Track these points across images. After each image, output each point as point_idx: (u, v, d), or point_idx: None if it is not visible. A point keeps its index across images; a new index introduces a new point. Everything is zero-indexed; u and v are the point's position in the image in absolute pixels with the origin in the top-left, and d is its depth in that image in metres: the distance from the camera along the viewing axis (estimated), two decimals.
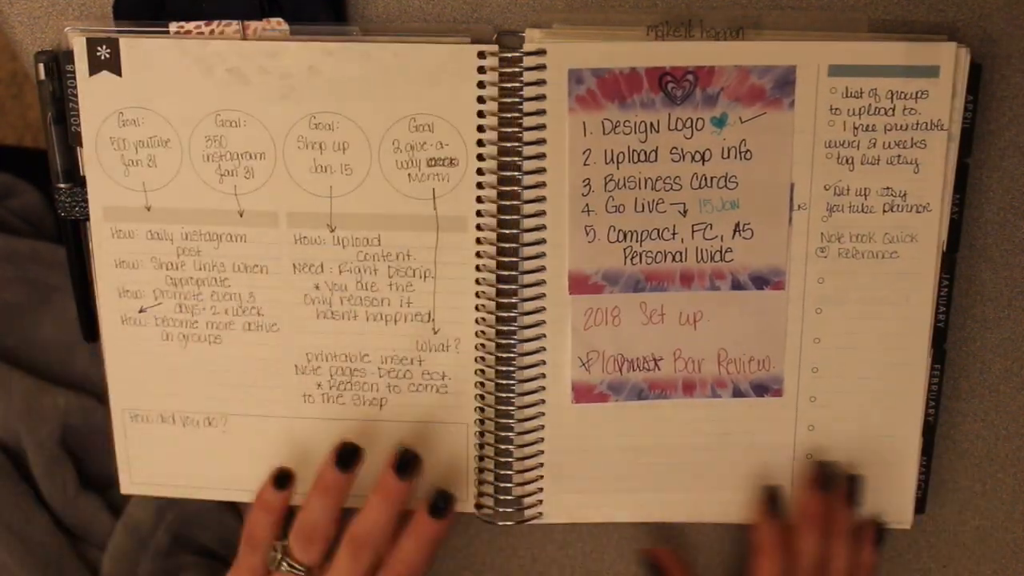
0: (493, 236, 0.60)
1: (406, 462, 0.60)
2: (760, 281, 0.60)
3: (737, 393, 0.61)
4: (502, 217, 0.59)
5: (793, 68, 0.57)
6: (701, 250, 0.59)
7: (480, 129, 0.58)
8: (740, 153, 0.58)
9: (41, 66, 0.60)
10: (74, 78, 0.59)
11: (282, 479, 0.61)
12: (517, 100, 0.58)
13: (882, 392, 0.61)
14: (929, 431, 0.62)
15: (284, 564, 0.59)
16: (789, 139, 0.58)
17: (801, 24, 0.58)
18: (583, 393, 0.61)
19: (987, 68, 0.58)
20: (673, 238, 0.59)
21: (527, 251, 0.60)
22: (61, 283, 0.67)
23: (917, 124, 0.58)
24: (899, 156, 0.58)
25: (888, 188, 0.58)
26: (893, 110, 0.58)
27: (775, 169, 0.59)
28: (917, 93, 0.57)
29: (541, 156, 0.58)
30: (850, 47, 0.57)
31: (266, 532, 0.61)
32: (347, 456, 0.60)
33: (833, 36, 0.58)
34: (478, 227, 0.60)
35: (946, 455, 0.64)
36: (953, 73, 0.57)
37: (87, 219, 0.61)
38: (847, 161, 0.58)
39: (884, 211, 0.59)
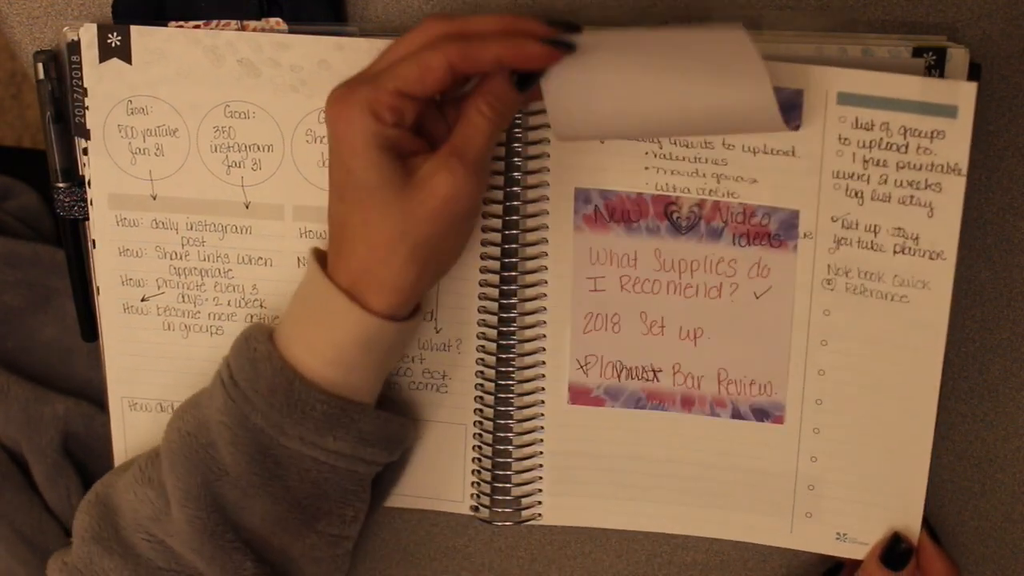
0: (497, 237, 0.60)
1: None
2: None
3: (736, 415, 0.61)
4: (507, 218, 0.59)
5: (800, 92, 0.55)
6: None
7: None
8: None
9: (40, 65, 0.60)
10: (79, 70, 0.59)
11: None
12: None
13: (889, 436, 0.59)
14: None
15: None
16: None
17: (801, 24, 0.58)
18: (579, 395, 0.61)
19: (987, 68, 0.58)
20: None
21: (529, 251, 0.60)
22: (61, 286, 0.66)
23: (932, 165, 0.54)
24: (912, 197, 0.55)
25: (900, 228, 0.56)
26: (906, 147, 0.54)
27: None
28: (933, 132, 0.54)
29: (544, 156, 0.58)
30: (862, 75, 0.54)
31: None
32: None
33: (833, 38, 0.57)
34: (482, 228, 0.60)
35: (946, 456, 0.64)
36: (973, 113, 0.53)
37: (86, 218, 0.61)
38: (856, 194, 0.56)
39: (895, 252, 0.56)
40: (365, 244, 0.52)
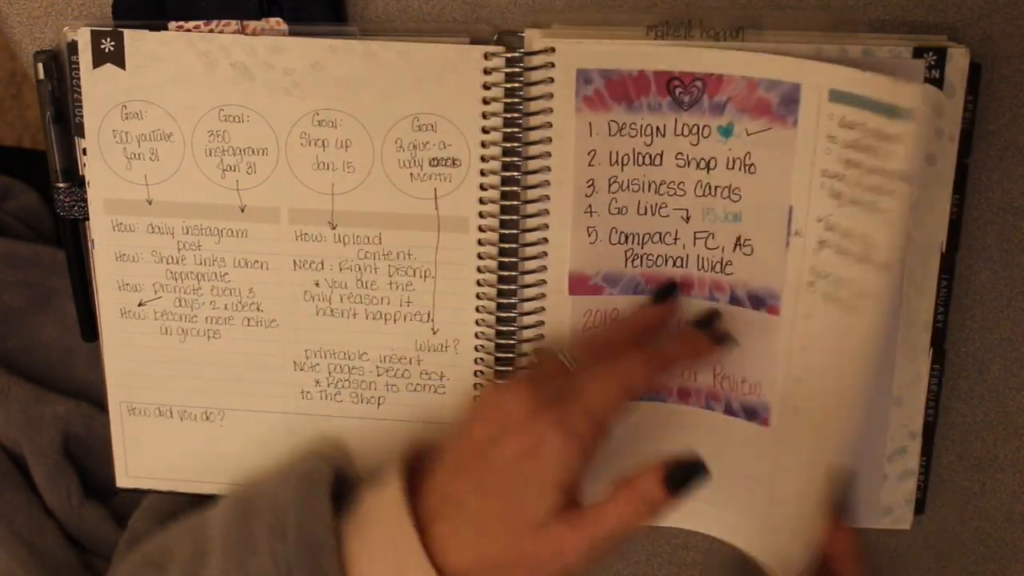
0: (495, 237, 0.60)
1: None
2: (757, 301, 0.58)
3: (729, 411, 0.60)
4: (504, 218, 0.59)
5: (798, 86, 0.54)
6: (702, 258, 0.59)
7: (484, 131, 0.58)
8: (744, 166, 0.57)
9: (40, 65, 0.60)
10: (79, 70, 0.59)
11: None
12: (519, 100, 0.58)
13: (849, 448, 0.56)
14: (928, 431, 0.62)
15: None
16: (791, 159, 0.55)
17: (801, 24, 0.58)
18: None
19: (987, 68, 0.58)
20: (675, 243, 0.59)
21: (528, 251, 0.60)
22: (62, 286, 0.67)
23: (894, 171, 0.51)
24: (875, 203, 0.52)
25: (865, 236, 0.52)
26: (876, 150, 0.52)
27: (776, 188, 0.56)
28: (895, 136, 0.51)
29: (545, 155, 0.58)
30: (849, 73, 0.53)
31: None
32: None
33: (834, 38, 0.57)
34: (480, 228, 0.60)
35: (945, 455, 0.64)
36: (926, 120, 0.50)
37: (86, 218, 0.61)
38: (838, 196, 0.54)
39: (857, 260, 0.53)
40: (488, 540, 0.52)
